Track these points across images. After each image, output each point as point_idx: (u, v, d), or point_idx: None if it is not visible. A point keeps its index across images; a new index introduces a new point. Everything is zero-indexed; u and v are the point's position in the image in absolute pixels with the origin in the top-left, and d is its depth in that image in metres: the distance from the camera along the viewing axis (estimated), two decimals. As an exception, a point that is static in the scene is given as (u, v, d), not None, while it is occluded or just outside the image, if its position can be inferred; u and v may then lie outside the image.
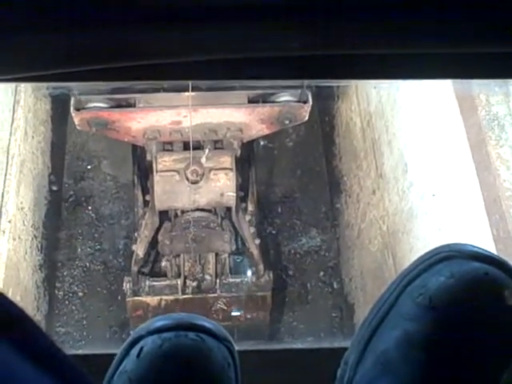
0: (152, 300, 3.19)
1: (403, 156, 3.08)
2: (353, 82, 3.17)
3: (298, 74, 0.60)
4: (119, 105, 2.74)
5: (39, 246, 3.52)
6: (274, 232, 3.97)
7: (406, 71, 0.59)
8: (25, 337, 0.37)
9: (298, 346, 3.40)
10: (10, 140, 3.34)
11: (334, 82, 2.79)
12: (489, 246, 2.38)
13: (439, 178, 2.81)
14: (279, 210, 4.05)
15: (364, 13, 0.49)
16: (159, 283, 3.22)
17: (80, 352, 2.04)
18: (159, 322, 0.78)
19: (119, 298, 3.63)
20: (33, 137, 3.62)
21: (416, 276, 0.73)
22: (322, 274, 3.86)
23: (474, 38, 0.52)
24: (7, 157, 3.28)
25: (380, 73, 0.59)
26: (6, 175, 3.24)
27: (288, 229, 3.99)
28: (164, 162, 2.85)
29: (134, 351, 0.75)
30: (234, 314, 3.23)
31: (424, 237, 2.83)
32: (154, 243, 3.14)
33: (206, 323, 0.78)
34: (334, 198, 4.05)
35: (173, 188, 2.85)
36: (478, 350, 0.69)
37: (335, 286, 3.83)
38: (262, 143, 4.14)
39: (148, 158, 2.90)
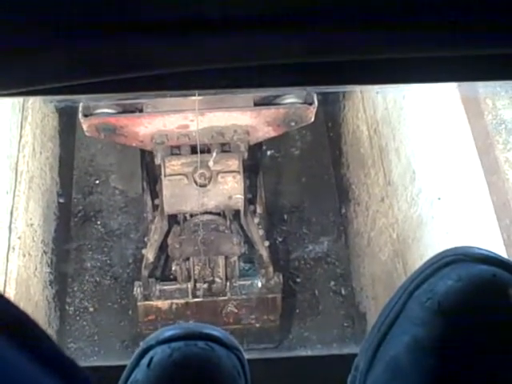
0: (163, 304, 3.21)
1: (411, 163, 3.07)
2: (356, 88, 3.18)
3: (300, 81, 0.61)
4: (127, 110, 2.78)
5: (49, 261, 3.53)
6: (282, 241, 3.97)
7: (409, 75, 0.59)
8: (27, 338, 0.38)
9: (308, 353, 3.39)
10: (18, 157, 3.36)
11: (337, 88, 2.79)
12: (499, 250, 2.36)
13: (448, 184, 2.80)
14: (288, 219, 4.05)
15: (364, 18, 0.50)
16: (170, 287, 3.25)
17: (91, 364, 2.04)
18: (169, 332, 0.78)
19: (130, 312, 3.63)
20: (41, 153, 3.64)
21: (423, 280, 0.73)
22: (332, 283, 3.85)
23: (475, 40, 0.52)
24: (16, 173, 3.30)
25: (382, 78, 0.60)
26: (14, 192, 3.25)
27: (297, 238, 3.98)
28: (172, 166, 2.88)
29: (145, 361, 0.75)
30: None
31: (434, 244, 2.82)
32: (163, 247, 3.16)
33: (215, 332, 0.78)
34: (342, 206, 4.05)
35: (181, 192, 2.88)
36: (489, 352, 0.68)
37: (346, 295, 3.82)
38: (268, 153, 4.15)
39: (156, 162, 2.92)
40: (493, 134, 2.61)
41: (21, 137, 3.43)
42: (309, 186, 4.17)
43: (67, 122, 4.06)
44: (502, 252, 2.35)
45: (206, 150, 2.87)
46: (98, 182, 4.16)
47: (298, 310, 3.76)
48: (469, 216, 2.64)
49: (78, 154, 4.25)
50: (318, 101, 2.80)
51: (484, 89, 2.40)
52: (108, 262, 3.87)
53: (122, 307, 3.74)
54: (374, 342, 0.75)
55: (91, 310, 3.76)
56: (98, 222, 4.00)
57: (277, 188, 4.12)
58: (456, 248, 0.74)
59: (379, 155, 3.45)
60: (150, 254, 3.14)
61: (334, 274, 3.87)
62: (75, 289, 3.81)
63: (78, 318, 3.74)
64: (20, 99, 3.09)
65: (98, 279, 3.82)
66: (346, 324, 3.74)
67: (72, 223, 4.00)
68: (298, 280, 3.85)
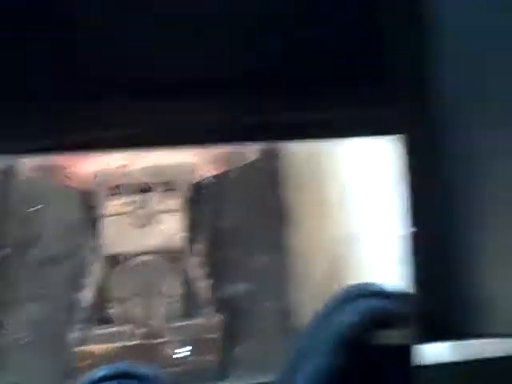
0: (100, 349, 3.13)
1: (346, 183, 3.14)
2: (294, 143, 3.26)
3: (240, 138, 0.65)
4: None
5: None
6: (221, 263, 3.97)
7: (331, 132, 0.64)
8: None
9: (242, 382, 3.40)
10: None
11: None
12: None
13: (380, 204, 2.87)
14: (226, 239, 4.06)
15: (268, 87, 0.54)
16: (107, 330, 3.17)
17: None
18: (101, 372, 0.79)
19: (66, 347, 3.54)
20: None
21: (326, 316, 0.79)
22: (269, 304, 3.87)
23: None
24: None
25: (302, 135, 0.65)
26: None
27: (234, 260, 3.99)
28: (112, 205, 2.85)
29: None
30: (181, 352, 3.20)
31: (370, 263, 2.88)
32: (101, 289, 3.11)
33: (146, 370, 0.80)
34: (280, 226, 4.08)
35: (121, 232, 2.85)
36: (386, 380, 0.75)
37: (285, 316, 3.84)
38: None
39: (96, 201, 2.89)
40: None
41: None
42: (247, 206, 4.18)
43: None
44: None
45: (148, 189, 2.86)
46: (34, 209, 4.07)
47: (236, 333, 3.76)
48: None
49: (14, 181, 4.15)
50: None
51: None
52: (42, 292, 3.77)
53: (57, 342, 3.63)
54: (285, 374, 0.80)
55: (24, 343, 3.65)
56: (35, 250, 3.90)
57: (216, 209, 4.12)
58: (358, 284, 0.81)
59: (316, 177, 3.51)
60: (86, 297, 3.08)
61: (273, 295, 3.89)
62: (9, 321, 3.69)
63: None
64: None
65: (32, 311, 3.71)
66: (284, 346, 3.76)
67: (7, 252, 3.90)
68: (238, 304, 3.85)
